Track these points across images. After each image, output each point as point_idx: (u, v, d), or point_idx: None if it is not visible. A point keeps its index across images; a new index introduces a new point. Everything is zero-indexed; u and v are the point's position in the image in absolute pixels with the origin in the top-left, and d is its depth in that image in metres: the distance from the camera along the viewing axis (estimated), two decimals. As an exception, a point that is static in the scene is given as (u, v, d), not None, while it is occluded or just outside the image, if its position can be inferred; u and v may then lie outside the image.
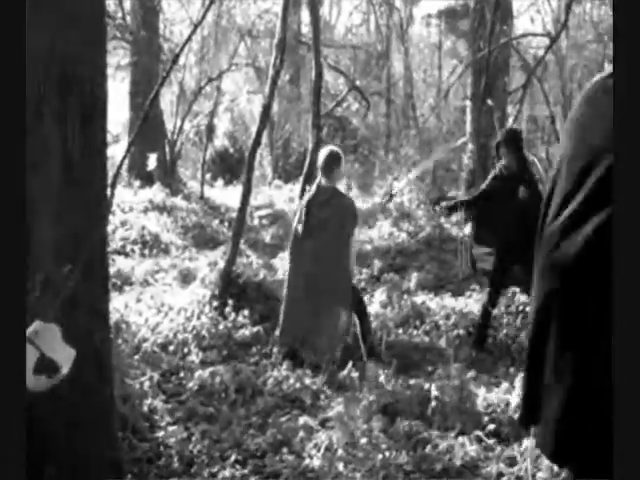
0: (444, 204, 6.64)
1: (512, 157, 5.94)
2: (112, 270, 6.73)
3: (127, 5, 15.41)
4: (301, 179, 11.26)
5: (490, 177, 6.18)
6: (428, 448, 4.12)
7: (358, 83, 16.37)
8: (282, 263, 7.87)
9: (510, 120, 11.58)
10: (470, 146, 11.46)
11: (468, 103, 12.09)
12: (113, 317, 4.75)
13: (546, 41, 12.22)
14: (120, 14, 15.09)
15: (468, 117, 11.96)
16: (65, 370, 3.11)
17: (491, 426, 4.35)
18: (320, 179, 5.75)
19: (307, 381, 5.04)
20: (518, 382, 4.79)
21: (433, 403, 4.60)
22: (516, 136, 6.06)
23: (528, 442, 4.07)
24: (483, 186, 6.22)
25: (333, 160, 5.66)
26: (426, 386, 4.81)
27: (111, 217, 9.48)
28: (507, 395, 4.73)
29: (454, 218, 10.80)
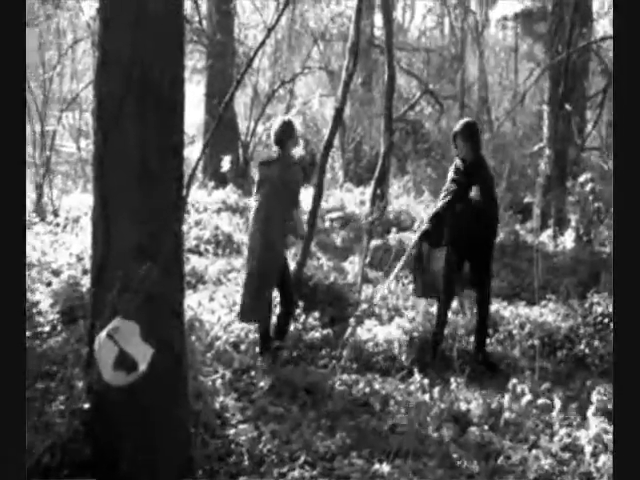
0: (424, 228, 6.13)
1: (467, 149, 5.81)
2: (186, 269, 6.85)
3: (204, 9, 15.72)
4: (372, 182, 11.26)
5: (450, 173, 5.96)
6: (500, 459, 4.03)
7: (431, 86, 16.22)
8: (352, 266, 7.85)
9: (589, 125, 11.25)
10: (547, 151, 11.17)
11: (545, 108, 11.78)
12: (187, 315, 4.84)
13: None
14: (197, 18, 15.39)
15: (545, 122, 11.65)
16: (143, 367, 3.20)
17: (566, 440, 4.22)
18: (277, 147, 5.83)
19: (377, 386, 5.01)
20: (595, 396, 4.64)
21: (506, 414, 4.50)
22: (471, 128, 5.88)
23: (605, 458, 3.94)
24: (448, 184, 5.93)
25: (285, 130, 5.75)
26: (498, 396, 4.72)
27: (186, 217, 9.67)
28: (583, 408, 4.59)
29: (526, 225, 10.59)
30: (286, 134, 5.75)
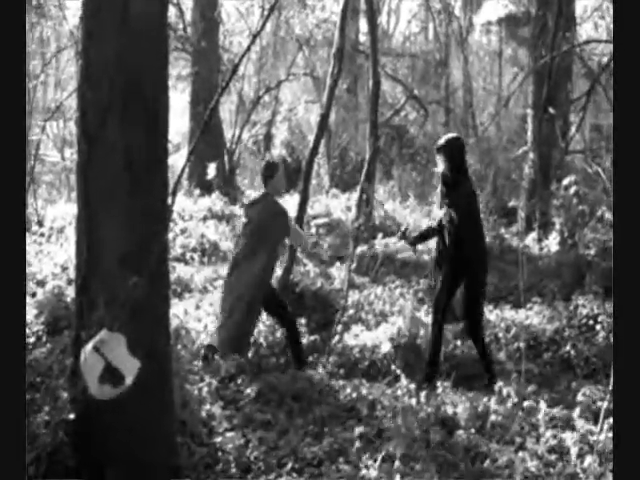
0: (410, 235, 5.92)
1: (446, 167, 5.47)
2: (172, 277, 6.84)
3: (188, 16, 15.72)
4: (358, 188, 11.29)
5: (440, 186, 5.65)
6: (487, 462, 4.05)
7: (416, 92, 16.30)
8: (339, 272, 7.87)
9: (573, 129, 11.33)
10: (531, 155, 11.25)
11: (529, 111, 11.87)
12: (173, 323, 4.83)
13: (610, 47, 11.93)
14: (181, 26, 15.40)
15: (529, 126, 11.73)
16: (129, 380, 3.19)
17: (552, 442, 4.24)
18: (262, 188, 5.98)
19: (364, 391, 5.01)
20: (580, 397, 4.68)
21: (492, 417, 4.52)
22: (452, 144, 5.53)
23: (591, 459, 3.96)
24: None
25: (267, 170, 5.85)
26: (485, 399, 4.74)
27: (171, 225, 9.65)
28: (569, 410, 4.62)
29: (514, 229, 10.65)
30: (267, 173, 5.83)
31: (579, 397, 4.69)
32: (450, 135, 5.81)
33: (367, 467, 3.97)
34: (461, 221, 5.37)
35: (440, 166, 5.56)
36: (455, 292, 5.54)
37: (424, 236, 5.83)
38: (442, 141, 5.59)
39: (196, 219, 11.60)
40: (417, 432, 4.31)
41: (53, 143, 14.49)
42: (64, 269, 7.05)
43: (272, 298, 5.75)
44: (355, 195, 11.64)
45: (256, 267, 5.62)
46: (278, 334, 5.95)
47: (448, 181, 5.48)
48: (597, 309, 6.50)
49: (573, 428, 4.38)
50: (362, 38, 19.04)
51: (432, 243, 6.04)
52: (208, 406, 4.60)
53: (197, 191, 13.52)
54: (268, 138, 16.40)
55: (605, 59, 12.15)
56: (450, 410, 4.63)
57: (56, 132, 14.18)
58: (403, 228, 6.24)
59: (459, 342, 6.06)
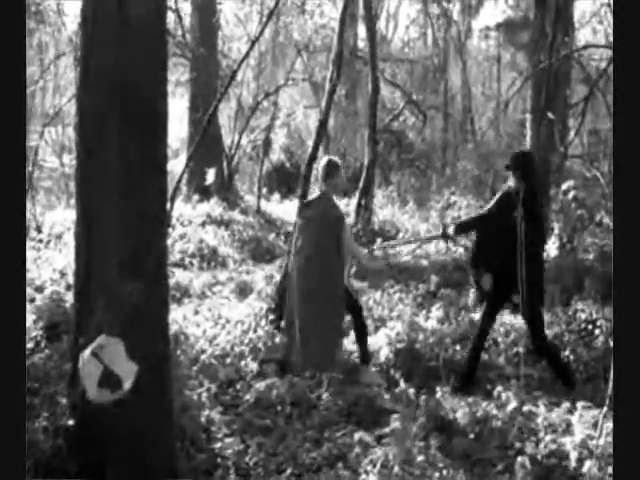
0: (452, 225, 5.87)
1: (520, 184, 5.38)
2: (171, 282, 6.84)
3: (187, 22, 15.75)
4: (357, 193, 11.31)
5: (496, 198, 5.60)
6: (486, 467, 4.04)
7: (415, 97, 16.33)
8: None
9: (572, 133, 11.35)
10: (530, 160, 11.24)
11: (528, 116, 11.88)
12: (172, 329, 4.82)
13: (609, 53, 11.97)
14: (180, 32, 15.42)
15: (528, 131, 11.75)
16: (127, 385, 3.19)
17: (552, 446, 4.24)
18: (320, 187, 5.77)
19: (363, 397, 5.00)
20: (579, 402, 4.67)
21: (492, 422, 4.51)
22: (525, 161, 5.51)
23: (590, 463, 3.95)
24: (489, 206, 5.62)
25: (330, 169, 5.68)
26: (484, 404, 4.73)
27: (170, 230, 9.65)
28: (568, 415, 4.61)
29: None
30: (327, 172, 5.66)
31: (578, 402, 4.68)
32: (523, 150, 5.86)
33: (366, 472, 3.96)
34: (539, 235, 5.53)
35: (511, 182, 5.57)
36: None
37: (470, 226, 5.81)
38: (514, 158, 5.57)
39: (195, 224, 11.61)
40: (416, 437, 4.30)
41: (52, 149, 14.50)
42: (63, 275, 7.05)
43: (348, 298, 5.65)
44: (354, 200, 11.69)
45: (331, 271, 5.47)
46: (277, 339, 5.94)
47: (523, 199, 5.36)
48: (596, 314, 6.49)
49: (572, 433, 4.37)
50: (361, 44, 19.11)
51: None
52: (207, 411, 4.60)
53: (196, 196, 13.53)
54: (267, 143, 16.40)
55: (603, 64, 12.16)
56: (449, 415, 4.63)
57: (55, 138, 14.19)
58: (445, 221, 6.12)
59: (458, 347, 6.06)
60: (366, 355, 5.63)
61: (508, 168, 5.55)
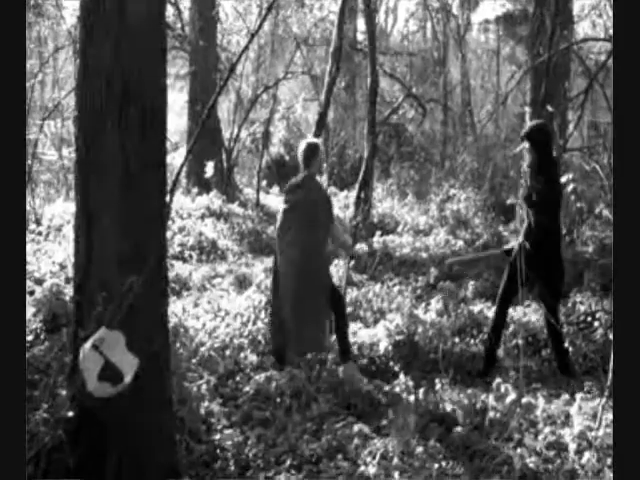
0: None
1: (534, 157, 5.36)
2: (170, 275, 6.84)
3: (186, 16, 15.72)
4: (356, 186, 11.30)
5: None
6: (485, 459, 4.06)
7: (414, 90, 16.31)
8: (336, 269, 7.87)
9: (571, 127, 11.34)
10: (529, 153, 11.23)
11: (527, 109, 11.86)
12: (171, 321, 4.83)
13: (608, 46, 11.95)
14: (179, 25, 15.39)
15: (527, 124, 11.75)
16: (128, 379, 3.20)
17: (551, 438, 4.25)
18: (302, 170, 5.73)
19: (362, 388, 5.02)
20: (578, 394, 4.69)
21: (491, 413, 4.53)
22: (540, 132, 5.42)
23: (589, 455, 3.97)
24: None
25: (311, 151, 5.64)
26: (483, 396, 4.74)
27: (170, 223, 9.65)
28: (567, 407, 4.63)
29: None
30: (309, 154, 5.63)
31: (577, 393, 4.70)
32: (537, 122, 5.84)
33: (366, 464, 3.98)
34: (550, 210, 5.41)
35: (526, 158, 5.53)
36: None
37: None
38: (528, 130, 5.48)
39: (194, 217, 11.61)
40: (415, 429, 4.31)
41: (51, 142, 14.49)
42: (62, 267, 7.05)
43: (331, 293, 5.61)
44: (353, 193, 11.69)
45: (318, 257, 5.47)
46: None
47: (539, 174, 5.35)
48: (595, 306, 6.51)
49: (571, 424, 4.39)
50: (360, 37, 19.08)
51: None
52: (207, 403, 4.61)
53: (195, 189, 13.53)
54: (266, 136, 16.39)
55: (603, 57, 12.15)
56: (448, 407, 4.64)
57: (54, 131, 14.16)
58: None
59: (457, 339, 6.08)
60: (347, 352, 5.52)
61: (522, 139, 5.50)
